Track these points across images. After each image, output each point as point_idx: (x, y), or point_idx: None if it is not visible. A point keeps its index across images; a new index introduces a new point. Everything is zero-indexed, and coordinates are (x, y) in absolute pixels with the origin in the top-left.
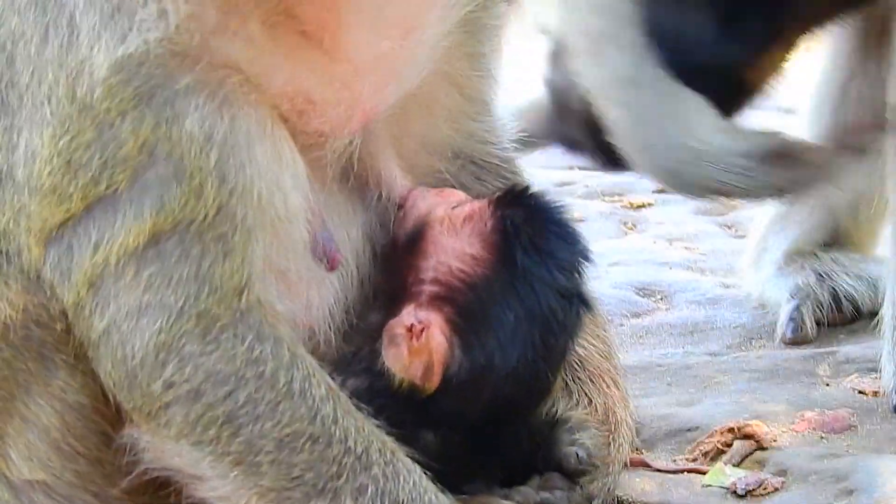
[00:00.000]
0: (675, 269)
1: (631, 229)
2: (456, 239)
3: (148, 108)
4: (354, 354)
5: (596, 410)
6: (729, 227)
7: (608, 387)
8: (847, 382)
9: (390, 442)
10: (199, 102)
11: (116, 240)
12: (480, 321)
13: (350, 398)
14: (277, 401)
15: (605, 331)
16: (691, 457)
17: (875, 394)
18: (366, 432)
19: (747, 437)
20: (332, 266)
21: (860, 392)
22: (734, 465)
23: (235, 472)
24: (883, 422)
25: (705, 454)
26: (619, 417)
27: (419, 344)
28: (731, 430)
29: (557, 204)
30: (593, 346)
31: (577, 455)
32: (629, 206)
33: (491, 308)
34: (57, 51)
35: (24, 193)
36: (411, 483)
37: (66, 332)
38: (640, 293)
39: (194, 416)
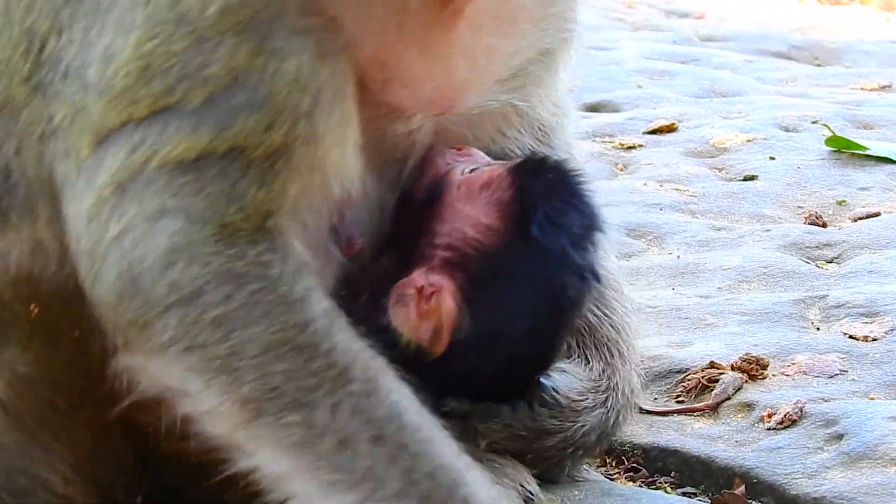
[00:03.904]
0: (666, 211)
1: (622, 170)
2: (472, 206)
3: (251, 37)
4: (354, 303)
5: (590, 369)
6: (720, 170)
7: (611, 356)
8: (838, 327)
9: (380, 361)
10: (305, 46)
11: (163, 148)
12: (492, 291)
13: None
14: (275, 304)
15: (623, 304)
16: (674, 396)
17: (865, 339)
18: (354, 350)
19: (735, 368)
20: (348, 252)
21: (851, 337)
22: (724, 401)
23: (219, 380)
24: (873, 367)
25: (688, 391)
26: (614, 384)
27: (429, 306)
28: (712, 364)
29: (575, 174)
30: (606, 316)
31: (542, 383)
32: (620, 146)
33: (503, 279)
34: None
35: (89, 92)
36: (390, 401)
37: (26, 309)
38: (631, 234)
39: (189, 318)
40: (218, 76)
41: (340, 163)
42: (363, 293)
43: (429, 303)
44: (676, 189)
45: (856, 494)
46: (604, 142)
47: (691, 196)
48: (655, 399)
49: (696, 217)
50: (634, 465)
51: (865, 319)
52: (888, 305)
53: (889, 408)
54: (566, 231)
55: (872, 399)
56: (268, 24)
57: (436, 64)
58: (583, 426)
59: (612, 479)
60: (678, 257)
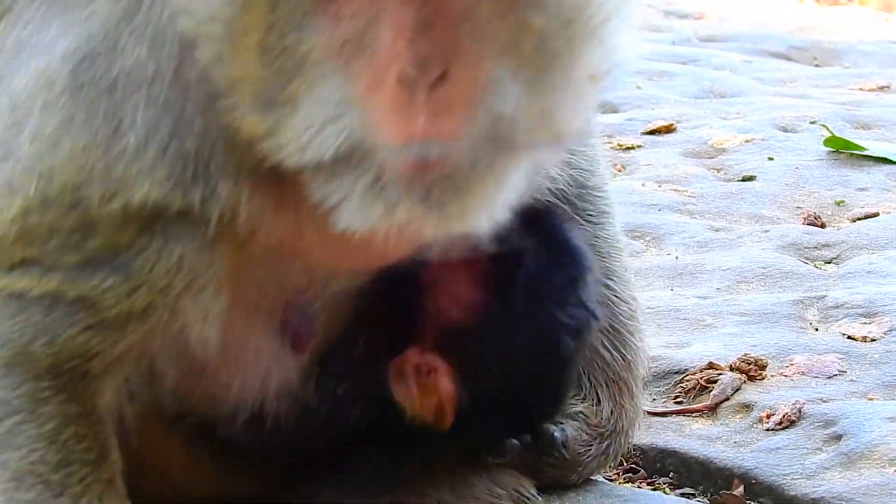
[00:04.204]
0: (665, 212)
1: (620, 171)
2: (458, 284)
3: (142, 229)
4: (349, 360)
5: (601, 412)
6: (718, 170)
7: (621, 396)
8: (836, 327)
9: None
10: (195, 237)
11: (11, 281)
12: (487, 363)
13: (341, 399)
14: (35, 439)
15: (636, 342)
16: (673, 397)
17: (864, 339)
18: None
19: (734, 369)
20: (299, 349)
21: (849, 337)
22: (722, 402)
23: None
24: (871, 367)
25: (687, 392)
26: (619, 428)
27: (427, 382)
28: (710, 365)
29: (553, 218)
30: (620, 353)
31: (553, 434)
32: (618, 147)
33: (496, 350)
34: (83, 146)
35: None
36: None
37: None
38: (630, 235)
39: None
40: (93, 249)
41: (200, 332)
42: (357, 347)
43: (427, 379)
44: (675, 190)
45: (854, 495)
46: (602, 142)
47: (690, 197)
48: (654, 400)
49: (695, 218)
50: (633, 465)
51: (864, 320)
52: (886, 306)
53: (887, 408)
54: (551, 291)
55: (871, 400)
56: (164, 221)
57: (352, 249)
58: (578, 477)
59: (610, 481)
60: (677, 258)
